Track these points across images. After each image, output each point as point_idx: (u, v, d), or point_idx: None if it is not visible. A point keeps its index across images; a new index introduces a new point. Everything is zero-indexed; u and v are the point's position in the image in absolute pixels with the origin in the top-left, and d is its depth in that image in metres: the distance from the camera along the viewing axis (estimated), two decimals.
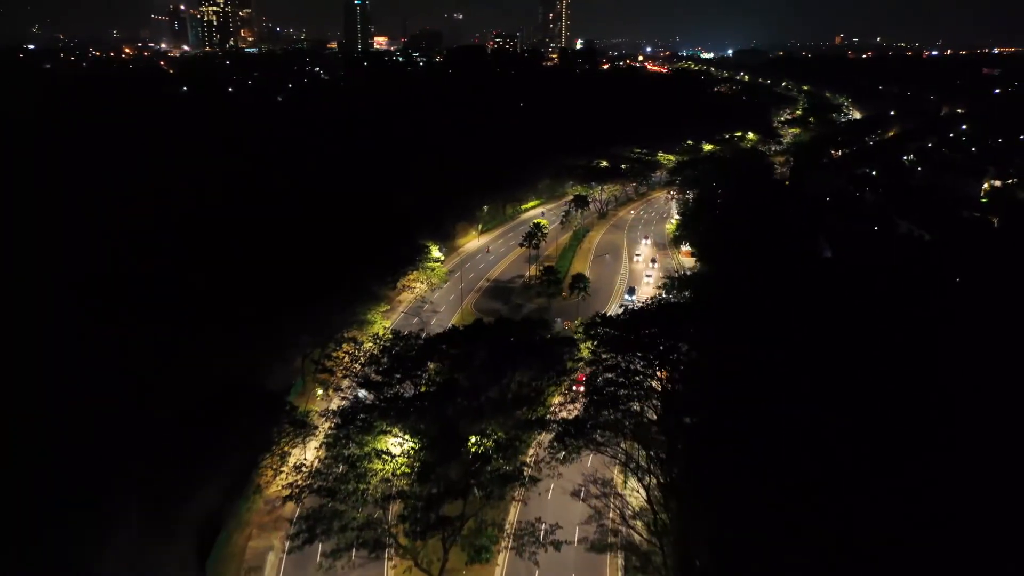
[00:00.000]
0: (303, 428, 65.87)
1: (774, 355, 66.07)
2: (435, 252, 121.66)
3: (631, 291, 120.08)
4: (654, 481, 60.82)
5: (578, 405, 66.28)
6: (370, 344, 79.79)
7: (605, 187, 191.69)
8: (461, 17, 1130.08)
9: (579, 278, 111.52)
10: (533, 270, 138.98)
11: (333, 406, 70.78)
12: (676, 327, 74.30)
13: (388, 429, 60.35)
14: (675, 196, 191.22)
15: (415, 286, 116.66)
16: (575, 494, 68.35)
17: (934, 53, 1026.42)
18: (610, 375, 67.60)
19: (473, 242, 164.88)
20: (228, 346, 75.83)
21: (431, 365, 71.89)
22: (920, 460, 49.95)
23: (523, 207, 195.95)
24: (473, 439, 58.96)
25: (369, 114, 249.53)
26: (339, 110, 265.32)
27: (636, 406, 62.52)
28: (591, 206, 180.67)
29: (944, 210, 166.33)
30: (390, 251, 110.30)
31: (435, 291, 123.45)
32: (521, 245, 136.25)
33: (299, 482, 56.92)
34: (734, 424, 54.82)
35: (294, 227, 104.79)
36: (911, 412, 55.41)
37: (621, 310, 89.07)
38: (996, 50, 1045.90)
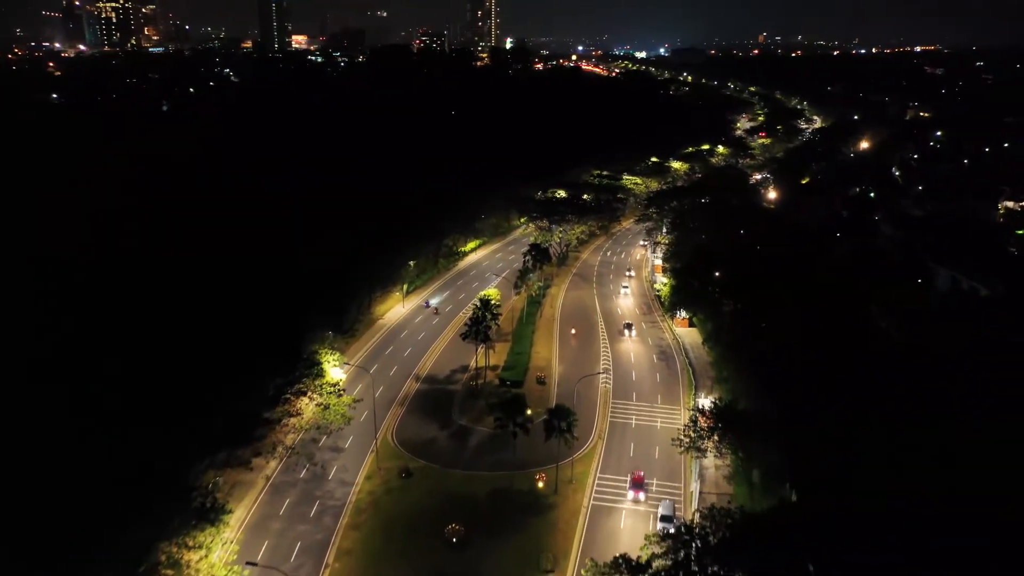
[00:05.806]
0: None
1: None
2: (331, 371, 77.19)
3: (667, 516, 65.44)
4: None
5: None
6: None
7: (567, 226, 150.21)
8: (385, 15, 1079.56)
9: (560, 412, 70.45)
10: (481, 358, 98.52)
11: None
12: None
13: None
14: (653, 238, 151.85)
15: (299, 419, 73.63)
16: None
17: (862, 51, 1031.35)
18: None
19: (397, 308, 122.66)
20: None
21: None
22: None
23: (462, 249, 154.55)
24: None
25: (268, 129, 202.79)
26: (232, 124, 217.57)
27: None
28: (548, 249, 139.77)
29: (988, 250, 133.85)
30: (248, 378, 67.40)
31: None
32: (464, 337, 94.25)
33: None
34: None
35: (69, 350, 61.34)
36: None
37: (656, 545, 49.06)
38: (918, 48, 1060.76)
